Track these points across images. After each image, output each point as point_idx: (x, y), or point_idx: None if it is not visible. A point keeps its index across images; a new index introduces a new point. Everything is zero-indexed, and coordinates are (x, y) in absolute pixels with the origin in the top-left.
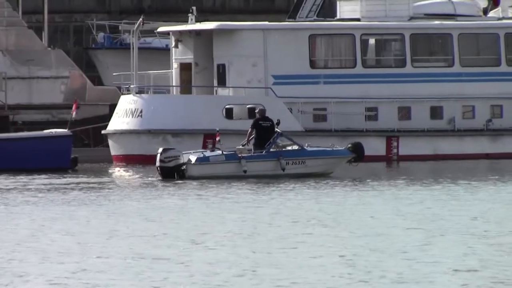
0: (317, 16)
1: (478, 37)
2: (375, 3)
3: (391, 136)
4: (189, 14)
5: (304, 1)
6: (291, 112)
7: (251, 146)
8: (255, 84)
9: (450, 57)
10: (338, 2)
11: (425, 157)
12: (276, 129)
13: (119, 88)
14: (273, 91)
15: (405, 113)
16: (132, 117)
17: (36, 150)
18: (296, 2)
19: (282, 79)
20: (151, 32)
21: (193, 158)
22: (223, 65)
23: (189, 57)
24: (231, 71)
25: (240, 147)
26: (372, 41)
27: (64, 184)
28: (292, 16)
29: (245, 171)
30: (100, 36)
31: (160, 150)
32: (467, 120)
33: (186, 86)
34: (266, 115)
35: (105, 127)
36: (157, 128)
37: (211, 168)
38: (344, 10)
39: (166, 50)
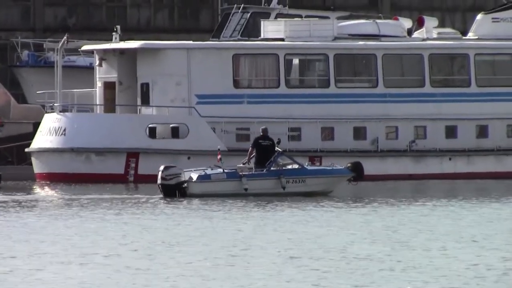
0: (241, 35)
1: (402, 58)
2: (299, 23)
3: (314, 156)
4: (114, 33)
5: (228, 21)
6: (214, 131)
7: (252, 165)
8: (179, 103)
9: (374, 77)
10: (262, 22)
11: None
12: (276, 148)
13: (43, 106)
14: (196, 110)
15: (328, 133)
16: (56, 135)
17: None
18: (220, 21)
19: (205, 99)
20: (75, 51)
21: (194, 176)
22: (147, 84)
23: (113, 76)
24: (154, 90)
25: (241, 165)
26: (296, 61)
27: None
28: (216, 35)
29: (246, 189)
30: (25, 54)
31: (162, 167)
32: (390, 141)
33: (110, 105)
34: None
35: (28, 145)
36: (80, 147)
37: (212, 186)
38: (268, 30)
39: (90, 68)
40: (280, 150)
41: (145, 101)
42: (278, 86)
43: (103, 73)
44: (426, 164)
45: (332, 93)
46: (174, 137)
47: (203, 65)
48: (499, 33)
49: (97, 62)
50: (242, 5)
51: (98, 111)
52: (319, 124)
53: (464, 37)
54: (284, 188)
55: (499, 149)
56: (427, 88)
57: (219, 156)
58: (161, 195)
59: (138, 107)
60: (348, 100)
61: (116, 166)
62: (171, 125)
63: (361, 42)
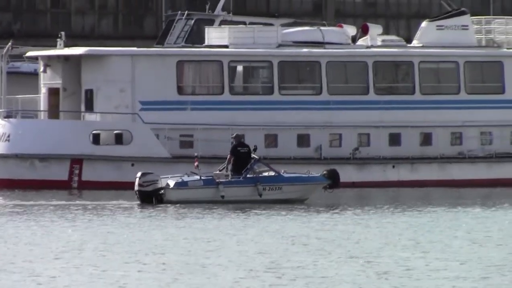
0: (185, 42)
1: (346, 65)
2: (243, 30)
3: None
4: (58, 39)
5: (173, 27)
6: (158, 138)
7: (228, 172)
8: (123, 110)
9: (318, 84)
10: (206, 29)
11: None
12: (252, 155)
13: None
14: (140, 117)
15: (271, 140)
16: (0, 141)
17: None
18: (164, 28)
19: (149, 105)
20: (20, 57)
21: (171, 183)
22: (91, 90)
23: (57, 82)
24: (98, 96)
25: (218, 172)
26: (240, 68)
27: None
28: (161, 42)
29: (222, 197)
30: None
31: (139, 174)
32: (334, 148)
33: (54, 111)
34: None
35: None
36: (24, 153)
37: (189, 193)
38: (212, 36)
39: (35, 74)
40: (256, 157)
41: (89, 108)
42: (222, 93)
43: (47, 79)
44: (370, 172)
45: (276, 100)
46: (118, 143)
47: (147, 72)
48: (444, 41)
49: (42, 68)
50: (186, 12)
51: (42, 117)
52: (263, 131)
53: (408, 45)
54: (260, 195)
55: (442, 156)
56: (371, 96)
57: (196, 163)
58: (138, 202)
59: (82, 114)
60: (292, 107)
61: (60, 172)
62: (114, 132)
63: (305, 50)
